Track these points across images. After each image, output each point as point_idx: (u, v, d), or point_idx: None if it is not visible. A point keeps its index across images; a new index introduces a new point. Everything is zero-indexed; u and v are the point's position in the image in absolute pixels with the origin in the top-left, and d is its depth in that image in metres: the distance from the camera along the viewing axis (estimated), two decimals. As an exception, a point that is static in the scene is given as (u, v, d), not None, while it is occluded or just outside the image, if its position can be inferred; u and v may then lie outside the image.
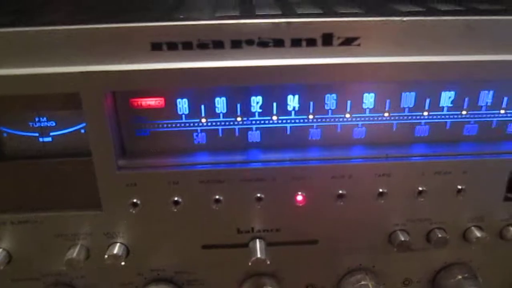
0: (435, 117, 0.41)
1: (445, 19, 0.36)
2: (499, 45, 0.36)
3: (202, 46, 0.35)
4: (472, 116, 0.42)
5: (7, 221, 0.42)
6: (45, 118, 0.41)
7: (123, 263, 0.42)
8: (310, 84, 0.39)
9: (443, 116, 0.42)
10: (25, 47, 0.36)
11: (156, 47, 0.35)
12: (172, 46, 0.35)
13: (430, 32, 0.36)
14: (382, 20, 0.36)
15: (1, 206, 0.42)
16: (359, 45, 0.36)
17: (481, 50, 0.36)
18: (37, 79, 0.36)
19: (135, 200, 0.41)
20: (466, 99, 0.41)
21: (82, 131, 0.41)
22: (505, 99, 0.41)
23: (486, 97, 0.41)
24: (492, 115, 0.42)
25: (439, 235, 0.43)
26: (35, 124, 0.41)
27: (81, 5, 0.46)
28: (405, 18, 0.35)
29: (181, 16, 0.37)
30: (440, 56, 0.36)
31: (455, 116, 0.42)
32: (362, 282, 0.44)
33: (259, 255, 0.41)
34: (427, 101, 0.41)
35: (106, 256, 0.41)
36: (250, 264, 0.41)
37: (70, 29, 0.35)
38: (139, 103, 0.40)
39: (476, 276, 0.45)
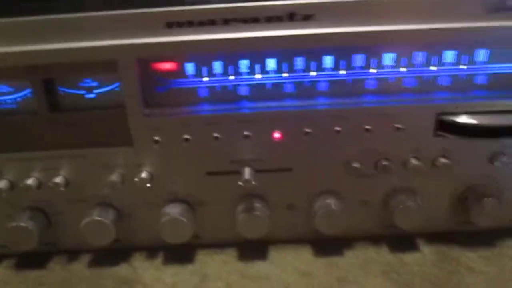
0: (380, 74, 0.51)
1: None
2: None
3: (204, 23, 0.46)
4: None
5: (64, 156, 0.51)
6: (89, 80, 0.49)
7: (148, 185, 0.51)
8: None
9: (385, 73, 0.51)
10: (78, 27, 0.45)
11: (169, 25, 0.45)
12: (181, 25, 0.46)
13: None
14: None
15: (59, 145, 0.50)
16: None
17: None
18: (86, 50, 0.45)
19: (157, 138, 0.50)
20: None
21: (117, 89, 0.49)
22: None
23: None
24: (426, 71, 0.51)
25: (384, 163, 0.53)
26: (83, 84, 0.49)
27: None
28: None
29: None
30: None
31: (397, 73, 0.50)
32: (327, 201, 0.54)
33: (246, 177, 0.50)
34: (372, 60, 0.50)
35: (136, 179, 0.50)
36: (240, 183, 0.49)
37: (110, 14, 0.45)
38: (158, 66, 0.49)
39: (415, 195, 0.54)
